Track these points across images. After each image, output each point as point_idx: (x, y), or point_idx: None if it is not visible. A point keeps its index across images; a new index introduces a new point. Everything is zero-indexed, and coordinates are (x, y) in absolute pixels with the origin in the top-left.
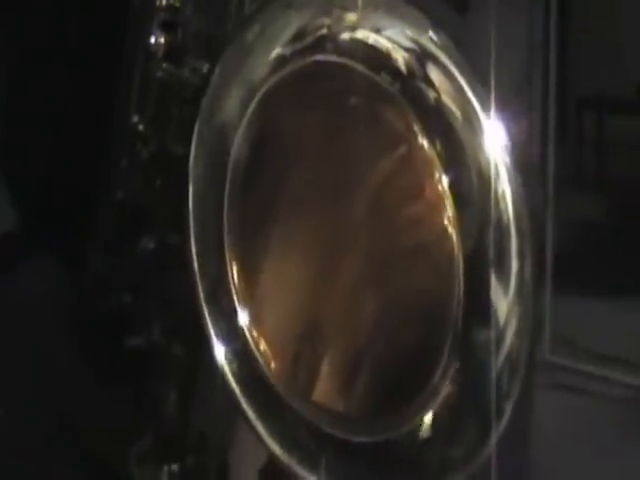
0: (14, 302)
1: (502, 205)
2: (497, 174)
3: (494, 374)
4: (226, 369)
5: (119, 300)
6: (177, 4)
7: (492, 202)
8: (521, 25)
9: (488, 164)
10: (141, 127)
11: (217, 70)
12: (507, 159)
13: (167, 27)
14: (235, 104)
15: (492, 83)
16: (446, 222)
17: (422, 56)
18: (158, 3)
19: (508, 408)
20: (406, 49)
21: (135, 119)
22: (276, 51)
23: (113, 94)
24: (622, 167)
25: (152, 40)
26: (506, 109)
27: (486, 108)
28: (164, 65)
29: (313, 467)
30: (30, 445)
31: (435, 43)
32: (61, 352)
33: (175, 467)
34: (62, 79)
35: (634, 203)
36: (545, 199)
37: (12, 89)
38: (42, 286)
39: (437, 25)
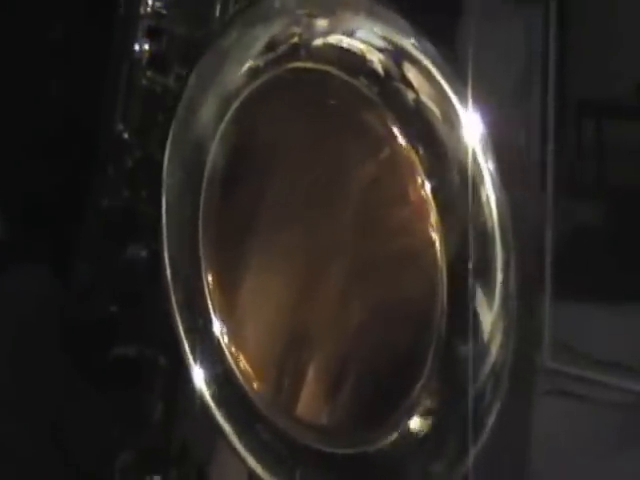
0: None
1: (486, 211)
2: (481, 179)
3: (471, 390)
4: (204, 389)
5: (105, 309)
6: (162, 11)
7: (470, 204)
8: (520, 30)
9: (470, 165)
10: (126, 135)
11: (193, 77)
12: (490, 164)
13: (152, 34)
14: (211, 112)
15: (470, 82)
16: (429, 228)
17: (397, 55)
18: (143, 10)
19: (489, 422)
20: (380, 49)
21: (120, 127)
22: (248, 64)
23: (98, 102)
24: (622, 172)
25: (137, 47)
26: (488, 108)
27: (465, 104)
28: (149, 73)
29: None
30: (13, 454)
31: (410, 42)
32: (45, 362)
33: (158, 479)
34: (47, 87)
35: (634, 208)
36: (544, 204)
37: None
38: (28, 294)
39: (408, 21)
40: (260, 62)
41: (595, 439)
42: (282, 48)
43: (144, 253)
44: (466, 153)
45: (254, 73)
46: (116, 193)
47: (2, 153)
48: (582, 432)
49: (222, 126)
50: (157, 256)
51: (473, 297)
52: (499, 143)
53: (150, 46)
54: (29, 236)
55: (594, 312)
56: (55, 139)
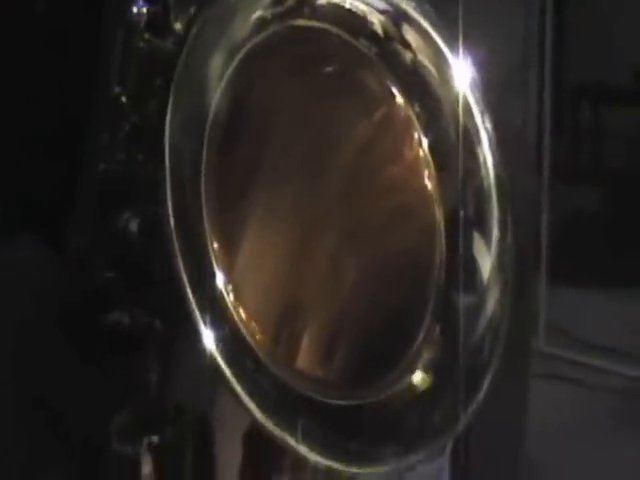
0: None
1: (483, 171)
2: (478, 139)
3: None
4: (210, 342)
5: (100, 275)
6: None
7: (460, 154)
8: (517, 15)
9: (466, 120)
10: (124, 99)
11: (196, 31)
12: (487, 123)
13: None
14: (214, 66)
15: (460, 31)
16: (427, 184)
17: (397, 17)
18: None
19: (488, 376)
20: (381, 11)
21: (117, 90)
22: (258, 13)
23: (94, 65)
24: (618, 157)
25: (134, 10)
26: (482, 64)
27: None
28: (146, 35)
29: (291, 430)
30: (8, 422)
31: (409, 3)
32: (41, 328)
33: (155, 438)
34: (41, 51)
35: (630, 193)
36: (540, 188)
37: None
38: (22, 262)
39: None
40: (268, 14)
41: (590, 423)
42: (288, 3)
43: (140, 218)
44: (461, 109)
45: (261, 24)
46: (112, 157)
47: None
48: (576, 416)
49: (225, 78)
50: (153, 220)
51: (472, 248)
52: (495, 103)
53: (148, 9)
54: (23, 205)
55: (589, 297)
56: (49, 105)
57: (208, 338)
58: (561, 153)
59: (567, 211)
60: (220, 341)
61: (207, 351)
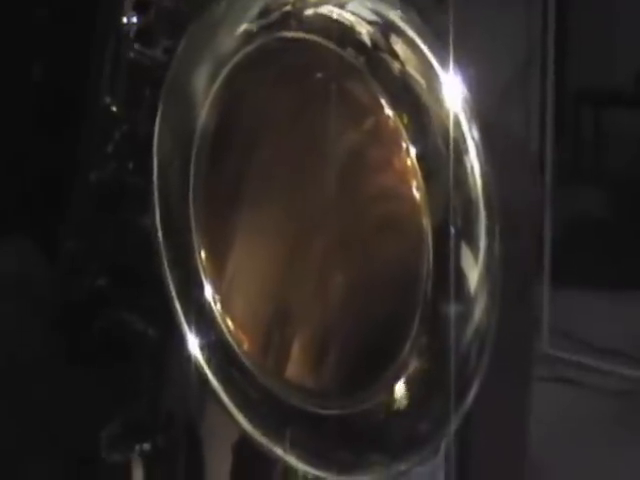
0: None
1: (470, 181)
2: (465, 149)
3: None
4: (198, 355)
5: (93, 283)
6: None
7: (451, 170)
8: (519, 18)
9: (455, 130)
10: (114, 108)
11: (184, 43)
12: (475, 132)
13: (140, 7)
14: (202, 79)
15: (451, 45)
16: (415, 194)
17: (386, 28)
18: None
19: (476, 383)
20: (370, 22)
21: (108, 100)
22: (244, 26)
23: (85, 75)
24: (621, 160)
25: (124, 20)
26: (473, 79)
27: (447, 70)
28: (136, 46)
29: (279, 439)
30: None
31: (397, 15)
32: (32, 334)
33: (147, 446)
34: (33, 60)
35: (633, 196)
36: (543, 192)
37: None
38: (15, 267)
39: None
40: (254, 27)
41: (593, 425)
42: (274, 15)
43: (132, 225)
44: (450, 120)
45: (247, 37)
46: (103, 165)
47: None
48: (580, 418)
49: (213, 90)
50: (145, 228)
51: (460, 258)
52: (484, 114)
53: (138, 19)
54: (16, 210)
55: (593, 299)
56: (42, 113)
57: (194, 346)
58: (564, 156)
59: (570, 214)
60: (206, 349)
61: (193, 358)
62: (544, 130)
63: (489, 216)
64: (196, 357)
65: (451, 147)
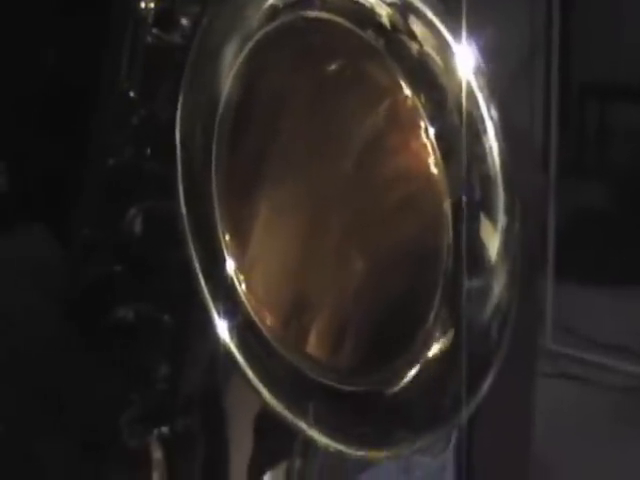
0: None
1: (489, 160)
2: (483, 128)
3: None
4: (225, 333)
5: (108, 269)
6: None
7: (464, 140)
8: (523, 11)
9: (470, 107)
10: (132, 93)
11: (209, 17)
12: (493, 111)
13: None
14: (227, 53)
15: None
16: (433, 171)
17: (404, 9)
18: None
19: (497, 360)
20: (388, 4)
21: (125, 85)
22: (270, 1)
23: (101, 61)
24: (625, 154)
25: (142, 5)
26: (492, 58)
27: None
28: (154, 30)
29: (302, 412)
30: (15, 418)
31: None
32: (48, 321)
33: (165, 430)
34: (49, 45)
35: (636, 191)
36: (547, 186)
37: None
38: (30, 254)
39: None
40: (279, 2)
41: (597, 421)
42: None
43: (148, 212)
44: (466, 97)
45: (273, 13)
46: (120, 151)
47: (4, 112)
48: (583, 414)
49: (237, 64)
50: (161, 215)
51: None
52: (498, 87)
53: (155, 3)
54: (31, 197)
55: (596, 295)
56: (58, 98)
57: (222, 328)
58: (568, 151)
59: (574, 209)
60: (234, 330)
61: (221, 340)
62: (548, 124)
63: (508, 195)
64: (223, 338)
65: (464, 120)
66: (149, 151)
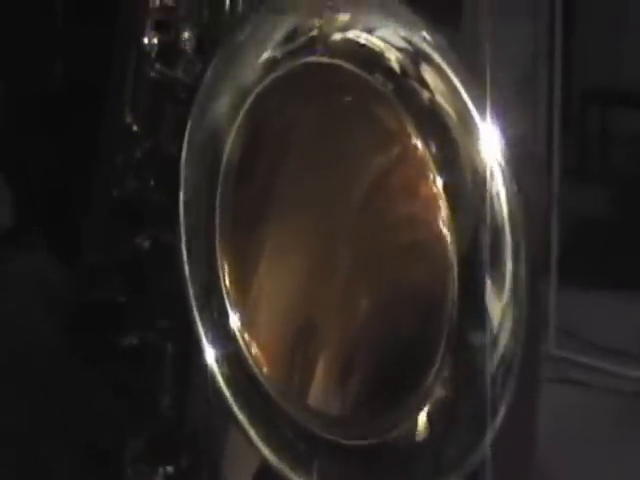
0: (6, 296)
1: (497, 206)
2: (492, 175)
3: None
4: (216, 372)
5: (113, 298)
6: (171, 4)
7: (487, 203)
8: (526, 17)
9: (483, 165)
10: (135, 127)
11: (209, 72)
12: (502, 161)
13: (161, 27)
14: (227, 106)
15: (488, 83)
16: (440, 223)
17: (416, 56)
18: (152, 3)
19: (502, 408)
20: (399, 49)
21: (129, 119)
22: (267, 53)
23: (106, 94)
24: (627, 160)
25: (145, 40)
26: (502, 110)
27: (481, 109)
28: (157, 65)
29: (306, 471)
30: (16, 446)
31: (429, 43)
32: (53, 350)
33: (170, 469)
34: (54, 79)
35: (638, 196)
36: (549, 192)
37: (5, 87)
38: (35, 281)
39: (431, 25)
40: (278, 53)
41: (600, 426)
42: (300, 40)
43: (151, 242)
44: (478, 150)
45: (271, 65)
46: (124, 183)
47: (10, 140)
48: (587, 419)
49: (238, 118)
50: (165, 245)
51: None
52: (513, 146)
53: (159, 39)
54: (36, 223)
55: (599, 300)
56: (64, 130)
57: (212, 361)
58: (570, 157)
59: (577, 214)
60: (225, 366)
61: (209, 369)
62: (551, 130)
63: (515, 240)
64: (212, 368)
65: (488, 197)
66: (153, 182)
